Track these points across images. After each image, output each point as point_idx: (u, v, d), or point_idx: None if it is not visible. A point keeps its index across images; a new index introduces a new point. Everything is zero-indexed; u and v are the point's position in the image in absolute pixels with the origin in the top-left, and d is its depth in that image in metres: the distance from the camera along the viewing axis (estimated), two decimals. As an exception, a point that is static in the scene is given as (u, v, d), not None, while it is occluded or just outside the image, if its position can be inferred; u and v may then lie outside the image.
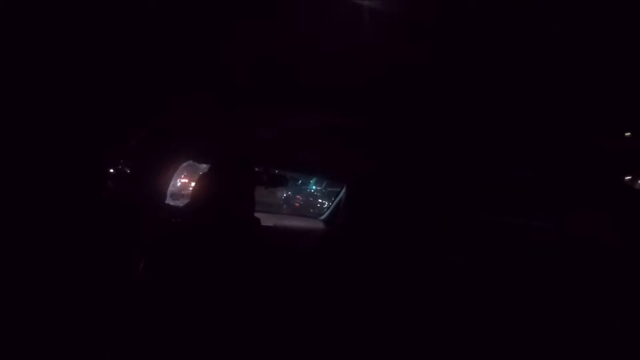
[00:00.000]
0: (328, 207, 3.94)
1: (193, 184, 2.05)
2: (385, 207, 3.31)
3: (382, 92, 1.92)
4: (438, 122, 2.21)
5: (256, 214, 1.99)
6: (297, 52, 1.58)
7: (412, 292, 2.88)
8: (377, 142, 2.65)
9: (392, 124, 2.32)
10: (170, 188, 2.95)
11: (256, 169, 2.82)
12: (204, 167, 2.64)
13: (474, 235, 2.93)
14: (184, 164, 3.09)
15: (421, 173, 2.98)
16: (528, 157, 2.37)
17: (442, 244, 3.01)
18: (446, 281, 2.85)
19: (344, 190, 3.61)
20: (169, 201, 2.91)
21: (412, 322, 2.73)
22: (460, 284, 2.81)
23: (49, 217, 2.01)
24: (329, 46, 1.50)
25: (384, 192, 3.32)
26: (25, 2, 1.34)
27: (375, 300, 2.89)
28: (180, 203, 2.92)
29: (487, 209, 2.96)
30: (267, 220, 3.31)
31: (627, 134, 1.97)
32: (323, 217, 3.88)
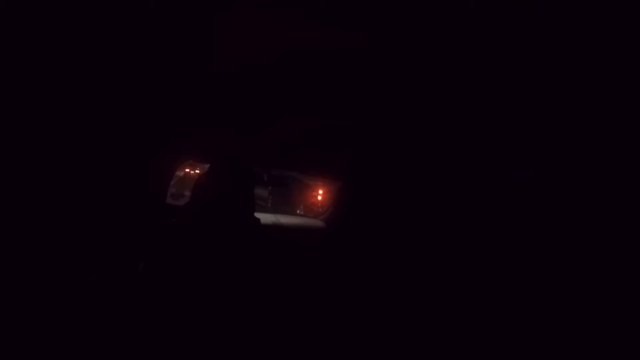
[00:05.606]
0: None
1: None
2: (384, 206, 3.31)
3: (379, 93, 1.92)
4: (430, 120, 2.23)
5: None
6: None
7: (411, 290, 2.89)
8: (374, 141, 2.66)
9: (387, 124, 2.33)
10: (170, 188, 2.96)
11: (256, 169, 2.82)
12: (204, 167, 2.64)
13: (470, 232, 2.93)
14: (184, 164, 3.09)
15: (419, 171, 2.99)
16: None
17: (441, 241, 3.00)
18: (445, 280, 2.86)
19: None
20: (169, 201, 2.92)
21: (412, 320, 2.73)
22: (458, 282, 2.81)
23: (50, 216, 2.01)
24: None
25: (382, 190, 3.32)
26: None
27: (376, 298, 2.89)
28: (180, 203, 2.92)
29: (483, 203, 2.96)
30: (266, 219, 3.32)
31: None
32: (323, 216, 3.88)
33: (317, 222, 3.83)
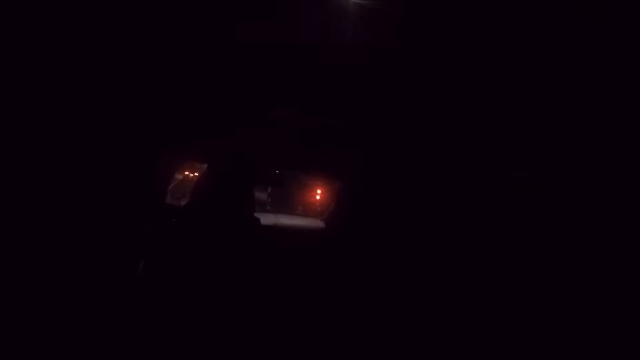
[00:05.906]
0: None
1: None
2: (384, 206, 3.31)
3: (380, 93, 1.92)
4: (431, 121, 2.23)
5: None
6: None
7: (413, 291, 2.88)
8: (375, 141, 2.66)
9: (389, 123, 2.33)
10: (170, 188, 2.96)
11: (256, 169, 2.82)
12: (204, 167, 2.64)
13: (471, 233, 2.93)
14: (185, 164, 3.09)
15: (419, 171, 2.99)
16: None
17: (441, 241, 3.00)
18: (445, 280, 2.86)
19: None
20: (169, 201, 2.91)
21: (410, 321, 2.73)
22: (458, 282, 2.81)
23: (50, 217, 2.01)
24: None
25: (382, 190, 3.32)
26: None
27: (376, 299, 2.89)
28: (180, 203, 2.91)
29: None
30: (266, 219, 3.31)
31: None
32: (323, 216, 3.88)
33: (316, 222, 3.83)
